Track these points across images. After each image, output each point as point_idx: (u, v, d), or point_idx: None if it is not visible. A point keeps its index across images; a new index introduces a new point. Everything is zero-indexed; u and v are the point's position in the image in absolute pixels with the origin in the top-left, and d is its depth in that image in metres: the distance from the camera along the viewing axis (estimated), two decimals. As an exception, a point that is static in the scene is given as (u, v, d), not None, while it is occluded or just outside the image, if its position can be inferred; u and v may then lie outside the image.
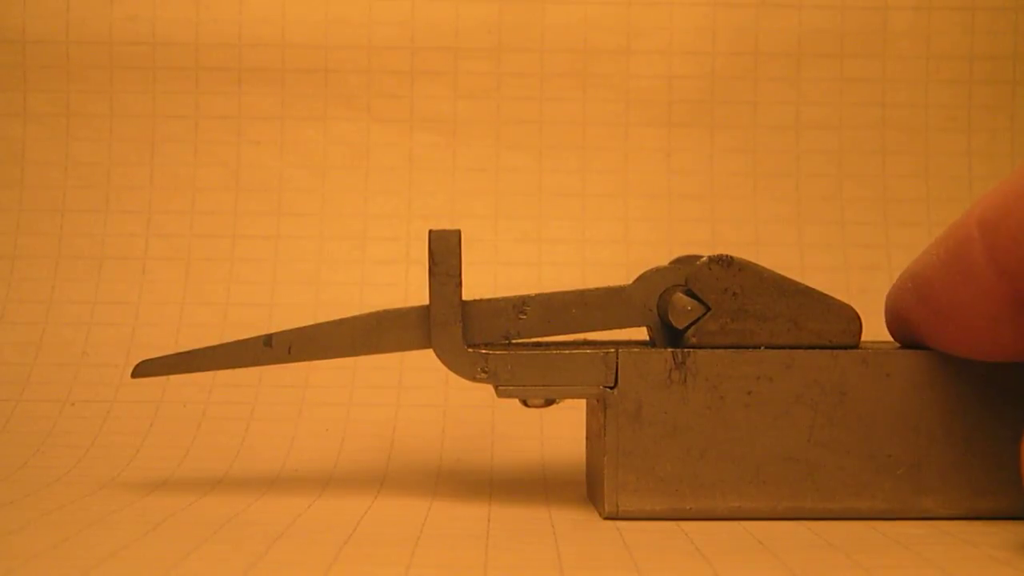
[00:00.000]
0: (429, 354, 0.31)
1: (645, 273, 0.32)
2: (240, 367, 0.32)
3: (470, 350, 0.31)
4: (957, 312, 0.29)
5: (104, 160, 0.47)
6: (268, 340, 0.32)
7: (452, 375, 0.32)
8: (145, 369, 0.32)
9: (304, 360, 0.32)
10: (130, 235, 0.46)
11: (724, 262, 0.30)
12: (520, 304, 0.32)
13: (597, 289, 0.32)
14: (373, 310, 0.32)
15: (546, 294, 0.32)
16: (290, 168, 0.47)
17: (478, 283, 0.44)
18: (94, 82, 0.47)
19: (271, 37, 0.47)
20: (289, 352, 0.32)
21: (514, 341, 0.32)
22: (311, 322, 0.31)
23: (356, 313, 0.32)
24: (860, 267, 0.47)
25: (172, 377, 0.42)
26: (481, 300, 0.32)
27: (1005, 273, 0.27)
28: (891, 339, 0.32)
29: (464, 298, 0.31)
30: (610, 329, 0.32)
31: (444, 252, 0.31)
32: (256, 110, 0.47)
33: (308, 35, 0.47)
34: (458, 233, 0.31)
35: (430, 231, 0.31)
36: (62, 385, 0.42)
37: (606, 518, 0.30)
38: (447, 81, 0.47)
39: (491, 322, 0.32)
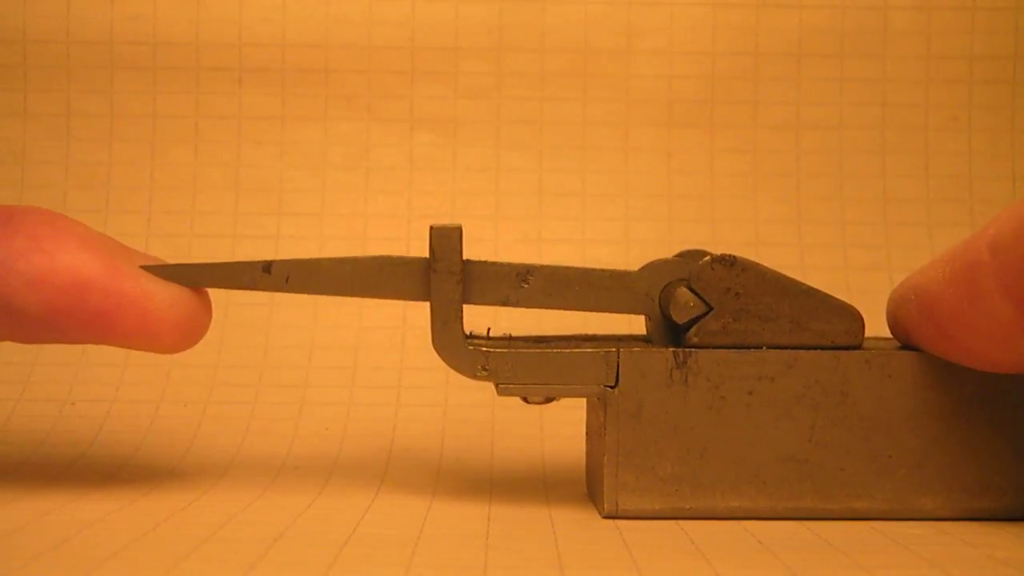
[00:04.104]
0: (429, 354, 0.31)
1: (652, 263, 0.32)
2: (235, 288, 0.32)
3: (471, 347, 0.31)
4: (962, 332, 0.29)
5: (104, 160, 0.47)
6: (267, 267, 0.31)
7: (452, 375, 0.32)
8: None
9: (301, 292, 0.31)
10: (130, 235, 0.46)
11: (727, 262, 0.30)
12: (524, 272, 0.31)
13: (603, 270, 0.32)
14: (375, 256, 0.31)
15: (551, 266, 0.32)
16: (290, 168, 0.47)
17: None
18: (94, 82, 0.47)
19: (271, 37, 0.47)
20: (287, 282, 0.31)
21: (514, 336, 0.32)
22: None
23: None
24: (860, 267, 0.47)
25: (172, 377, 0.42)
26: (485, 262, 0.31)
27: (1015, 299, 0.27)
28: (892, 336, 0.32)
29: (466, 258, 0.31)
30: (610, 312, 0.32)
31: (445, 248, 0.31)
32: (256, 110, 0.47)
33: (308, 35, 0.47)
34: (459, 229, 0.31)
35: (431, 227, 0.31)
36: (62, 385, 0.42)
37: (605, 517, 0.30)
38: (447, 81, 0.47)
39: (492, 286, 0.31)
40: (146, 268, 0.31)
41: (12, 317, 0.30)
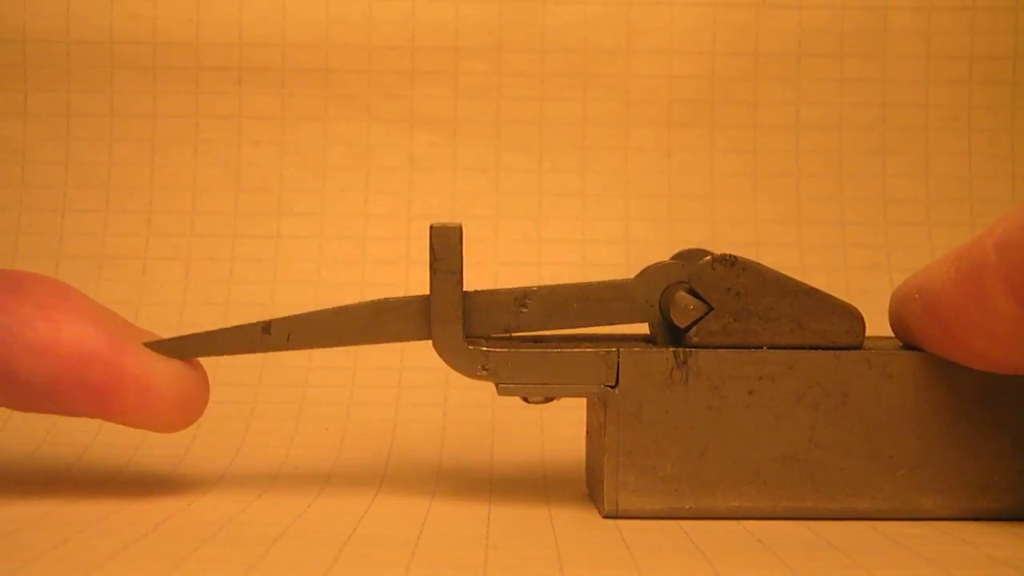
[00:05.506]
0: (429, 354, 0.31)
1: (648, 268, 0.32)
2: (237, 353, 0.32)
3: (471, 347, 0.31)
4: (966, 332, 0.29)
5: (104, 160, 0.47)
6: (267, 327, 0.32)
7: (452, 375, 0.32)
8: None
9: (303, 348, 0.32)
10: (130, 235, 0.46)
11: (728, 262, 0.30)
12: (521, 297, 0.32)
13: (599, 283, 0.32)
14: (373, 299, 0.32)
15: (548, 287, 0.32)
16: (290, 168, 0.47)
17: (478, 284, 0.44)
18: (94, 82, 0.47)
19: (271, 37, 0.47)
20: (288, 340, 0.31)
21: (514, 335, 0.32)
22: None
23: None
24: (860, 267, 0.47)
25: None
26: (482, 291, 0.31)
27: (1020, 300, 0.27)
28: (893, 335, 0.32)
29: (465, 289, 0.31)
30: (611, 324, 0.32)
31: (445, 248, 0.31)
32: (256, 110, 0.47)
33: (308, 35, 0.47)
34: (459, 228, 0.31)
35: (431, 226, 0.31)
36: (62, 385, 0.42)
37: (605, 517, 0.30)
38: (447, 81, 0.47)
39: (492, 314, 0.31)
40: (148, 345, 0.31)
41: (13, 385, 0.30)
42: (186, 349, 0.31)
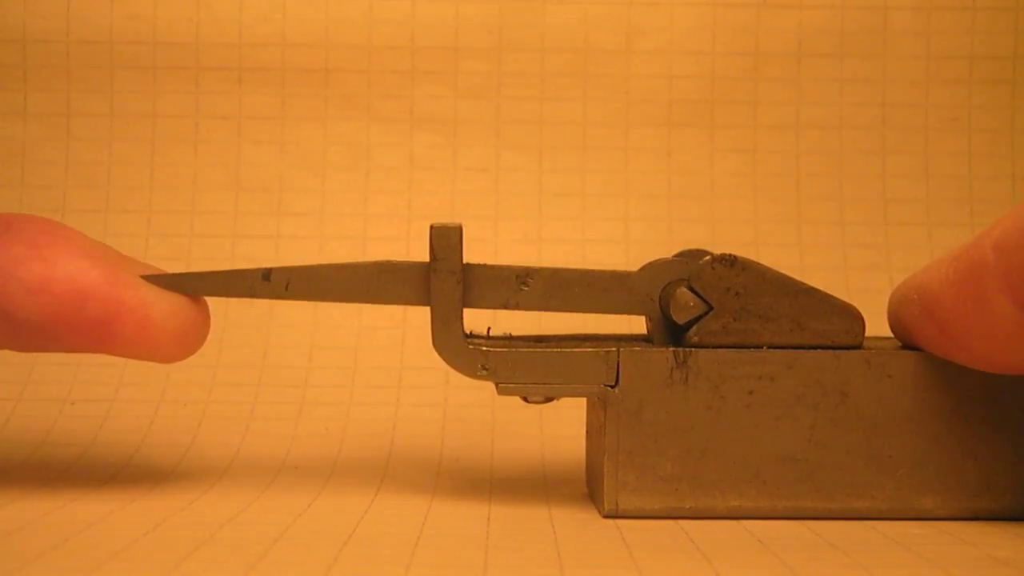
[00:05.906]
0: (429, 354, 0.31)
1: (651, 263, 0.32)
2: (234, 296, 0.32)
3: (471, 347, 0.31)
4: (964, 332, 0.29)
5: (104, 160, 0.47)
6: (267, 274, 0.31)
7: (452, 375, 0.32)
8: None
9: (300, 299, 0.31)
10: (130, 235, 0.46)
11: (727, 261, 0.30)
12: (524, 275, 0.32)
13: (602, 272, 0.32)
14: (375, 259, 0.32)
15: (551, 269, 0.32)
16: (290, 168, 0.47)
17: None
18: (94, 82, 0.47)
19: (271, 37, 0.47)
20: (287, 289, 0.31)
21: (514, 336, 0.32)
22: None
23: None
24: (860, 267, 0.47)
25: (172, 377, 0.42)
26: (485, 265, 0.31)
27: (1018, 301, 0.27)
28: (892, 335, 0.32)
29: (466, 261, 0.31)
30: (610, 313, 0.32)
31: (445, 248, 0.31)
32: (256, 110, 0.47)
33: (308, 35, 0.47)
34: (460, 228, 0.31)
35: (431, 226, 0.31)
36: (62, 385, 0.42)
37: (605, 517, 0.30)
38: (447, 81, 0.47)
39: (492, 289, 0.31)
40: (146, 277, 0.31)
41: (11, 325, 0.30)
42: (184, 285, 0.31)
